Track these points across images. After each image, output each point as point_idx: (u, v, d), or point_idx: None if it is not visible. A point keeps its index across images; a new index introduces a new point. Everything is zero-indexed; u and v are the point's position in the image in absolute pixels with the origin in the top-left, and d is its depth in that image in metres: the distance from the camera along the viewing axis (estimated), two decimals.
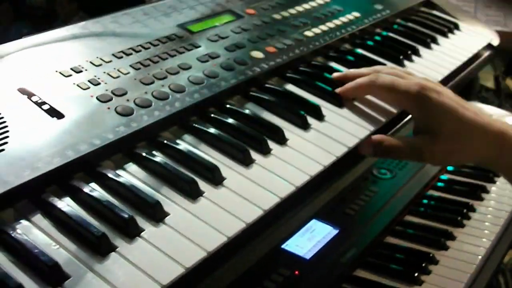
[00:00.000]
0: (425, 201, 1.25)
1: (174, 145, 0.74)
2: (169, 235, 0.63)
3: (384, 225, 1.14)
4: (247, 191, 0.71)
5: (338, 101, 0.90)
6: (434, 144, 0.80)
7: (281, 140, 0.80)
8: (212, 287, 0.64)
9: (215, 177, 0.71)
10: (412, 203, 1.23)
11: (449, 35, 1.24)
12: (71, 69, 0.81)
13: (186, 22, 1.00)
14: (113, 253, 0.60)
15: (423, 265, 1.03)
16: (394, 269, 1.02)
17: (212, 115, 0.82)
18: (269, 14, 1.09)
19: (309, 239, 0.96)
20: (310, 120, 0.85)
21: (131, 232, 0.63)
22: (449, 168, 1.37)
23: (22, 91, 0.76)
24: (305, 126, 0.84)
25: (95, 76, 0.81)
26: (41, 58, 0.83)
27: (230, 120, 0.80)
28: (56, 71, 0.80)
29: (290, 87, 0.93)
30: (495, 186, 1.29)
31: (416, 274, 1.01)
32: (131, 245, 0.62)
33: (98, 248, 0.60)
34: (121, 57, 0.87)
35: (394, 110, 0.90)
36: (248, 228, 0.66)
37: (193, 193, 0.69)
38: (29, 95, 0.75)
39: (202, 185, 0.70)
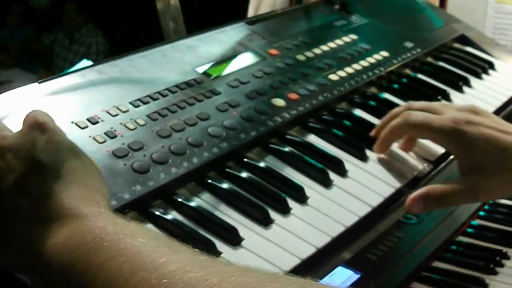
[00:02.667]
0: (454, 247, 1.27)
1: (191, 204, 0.78)
2: None
3: (410, 271, 1.16)
4: (266, 252, 0.75)
5: (363, 154, 0.93)
6: (485, 180, 0.82)
7: (302, 198, 0.84)
8: None
9: (233, 239, 0.75)
10: (440, 249, 1.25)
11: (483, 76, 1.27)
12: (87, 119, 0.86)
13: (205, 64, 1.04)
14: None
15: None
16: None
17: (230, 170, 0.85)
18: (293, 55, 1.13)
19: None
20: (333, 176, 0.89)
21: None
22: (481, 213, 1.39)
23: None
24: (326, 183, 0.87)
25: (111, 128, 0.85)
26: (57, 106, 0.88)
27: (249, 177, 0.84)
28: (72, 122, 0.85)
29: (312, 138, 0.97)
30: None
31: None
32: None
33: None
34: (138, 106, 0.91)
35: (419, 166, 0.94)
36: None
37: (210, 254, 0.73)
38: None
39: (220, 245, 0.74)
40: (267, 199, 0.82)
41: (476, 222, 1.36)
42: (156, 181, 0.79)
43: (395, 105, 1.09)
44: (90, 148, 0.81)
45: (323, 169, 0.88)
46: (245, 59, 1.09)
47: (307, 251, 0.77)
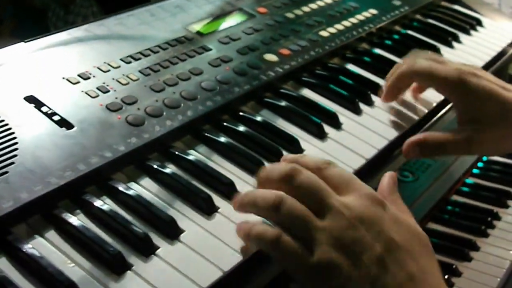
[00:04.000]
0: (449, 207, 1.29)
1: (188, 157, 0.78)
2: (184, 254, 0.67)
3: None
4: None
5: (356, 107, 0.93)
6: (481, 132, 0.83)
7: (298, 151, 0.84)
8: None
9: (230, 193, 0.75)
10: (435, 209, 1.27)
11: (472, 32, 1.27)
12: (79, 75, 0.85)
13: (195, 23, 1.04)
14: (129, 271, 0.64)
15: (446, 277, 1.07)
16: None
17: (226, 123, 0.85)
18: (282, 13, 1.13)
19: None
20: (327, 129, 0.88)
21: (147, 250, 0.66)
22: (475, 171, 1.40)
23: (29, 99, 0.79)
24: (321, 136, 0.87)
25: (104, 83, 0.85)
26: (46, 64, 0.87)
27: (245, 129, 0.84)
28: (63, 78, 0.84)
29: (306, 92, 0.97)
30: None
31: None
32: (146, 263, 0.65)
33: (114, 266, 0.64)
34: (130, 62, 0.90)
35: (415, 117, 0.94)
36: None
37: (208, 209, 0.72)
38: (37, 104, 0.78)
39: (217, 200, 0.74)
40: (264, 152, 0.82)
41: (470, 180, 1.38)
42: (151, 134, 0.78)
43: (388, 60, 1.09)
44: (83, 103, 0.81)
45: (318, 123, 0.88)
46: (234, 17, 1.08)
47: None
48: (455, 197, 1.32)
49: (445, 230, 1.22)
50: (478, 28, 1.30)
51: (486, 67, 1.17)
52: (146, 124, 0.79)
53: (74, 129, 0.76)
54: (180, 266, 0.65)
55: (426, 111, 0.97)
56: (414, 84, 0.96)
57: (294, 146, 0.84)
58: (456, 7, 1.39)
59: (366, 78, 1.02)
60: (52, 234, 0.66)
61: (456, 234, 1.21)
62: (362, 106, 0.95)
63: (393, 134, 0.91)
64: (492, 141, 0.84)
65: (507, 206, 1.28)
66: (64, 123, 0.77)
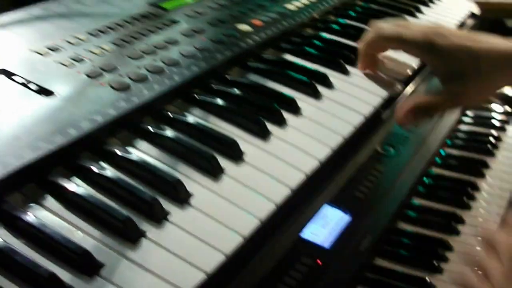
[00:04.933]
0: (430, 181, 1.25)
1: (184, 119, 0.71)
2: (198, 219, 0.60)
3: (394, 209, 1.12)
4: (269, 167, 0.68)
5: (340, 67, 0.89)
6: (465, 85, 0.81)
7: (295, 110, 0.78)
8: (246, 277, 0.60)
9: (235, 153, 0.68)
10: (417, 183, 1.23)
11: (430, 4, 1.26)
12: (47, 47, 0.77)
13: (157, 1, 0.97)
14: (143, 239, 0.56)
15: (440, 253, 1.03)
16: (413, 257, 1.01)
17: (216, 87, 0.78)
18: None
19: (323, 226, 0.93)
20: (321, 89, 0.83)
21: (157, 216, 0.58)
22: (448, 141, 1.37)
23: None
24: (316, 95, 0.82)
25: (76, 53, 0.76)
26: (9, 40, 0.78)
27: (238, 91, 0.78)
28: (31, 50, 0.75)
29: (289, 57, 0.91)
30: (495, 162, 1.30)
31: (435, 263, 1.01)
32: (160, 230, 0.57)
33: (126, 233, 0.56)
34: (97, 35, 0.82)
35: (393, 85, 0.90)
36: (277, 211, 0.63)
37: (214, 171, 0.65)
38: (9, 74, 0.69)
39: (221, 161, 0.67)
40: (261, 111, 0.75)
41: (444, 151, 1.35)
42: (140, 97, 0.70)
43: (359, 28, 1.05)
44: (58, 72, 0.72)
45: (308, 81, 0.83)
46: None
47: (311, 164, 0.70)
48: (435, 169, 1.29)
49: (430, 205, 1.18)
50: (436, 1, 1.29)
51: None
52: (133, 89, 0.71)
53: (55, 95, 0.67)
54: (198, 232, 0.58)
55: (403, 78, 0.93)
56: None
57: (292, 106, 0.78)
58: None
59: (342, 43, 0.98)
60: (51, 202, 0.58)
61: (441, 208, 1.17)
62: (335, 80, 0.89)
63: (376, 101, 0.86)
64: (476, 91, 0.83)
65: (483, 176, 1.26)
66: (42, 91, 0.68)
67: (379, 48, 0.91)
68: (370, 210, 1.02)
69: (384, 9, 1.17)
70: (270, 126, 0.73)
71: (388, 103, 0.85)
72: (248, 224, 0.60)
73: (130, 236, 0.56)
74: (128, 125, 0.68)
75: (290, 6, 1.04)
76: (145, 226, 0.57)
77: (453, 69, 0.83)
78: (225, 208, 0.61)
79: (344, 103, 0.82)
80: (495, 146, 1.35)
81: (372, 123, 0.81)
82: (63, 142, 0.61)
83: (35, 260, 0.51)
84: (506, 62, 0.82)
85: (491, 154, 1.33)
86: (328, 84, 0.85)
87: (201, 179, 0.65)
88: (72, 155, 0.62)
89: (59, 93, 0.68)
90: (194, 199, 0.62)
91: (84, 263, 0.52)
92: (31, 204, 0.57)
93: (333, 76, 0.87)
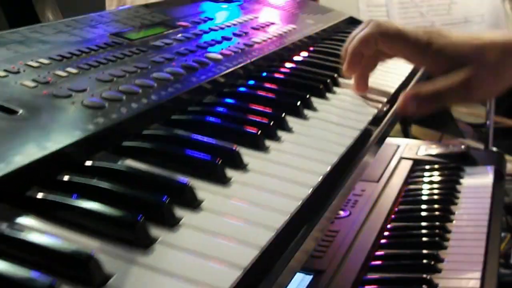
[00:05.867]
0: (391, 233, 1.22)
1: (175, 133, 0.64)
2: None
3: (361, 263, 1.09)
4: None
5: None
6: (474, 72, 0.78)
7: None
8: None
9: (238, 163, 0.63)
10: (378, 238, 1.19)
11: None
12: (5, 70, 0.69)
13: (120, 32, 0.91)
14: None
15: None
16: None
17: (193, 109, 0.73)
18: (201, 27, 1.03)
19: None
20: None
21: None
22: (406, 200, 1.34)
23: None
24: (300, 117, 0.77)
25: (39, 75, 0.69)
26: None
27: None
28: None
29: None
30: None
31: None
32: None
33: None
34: (62, 60, 0.75)
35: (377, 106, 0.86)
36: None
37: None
38: None
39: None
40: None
41: (403, 207, 1.32)
42: (119, 114, 0.64)
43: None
44: (21, 92, 0.65)
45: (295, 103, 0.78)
46: (156, 28, 0.97)
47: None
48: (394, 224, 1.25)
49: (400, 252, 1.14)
50: None
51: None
52: (108, 107, 0.64)
53: (20, 113, 0.60)
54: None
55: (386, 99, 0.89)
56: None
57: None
58: None
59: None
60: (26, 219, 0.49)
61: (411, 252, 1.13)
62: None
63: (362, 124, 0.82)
64: (486, 81, 0.79)
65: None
66: (4, 109, 0.60)
67: (372, 47, 0.85)
68: (331, 267, 1.00)
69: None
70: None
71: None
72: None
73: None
74: (109, 143, 0.61)
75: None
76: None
77: (458, 65, 0.79)
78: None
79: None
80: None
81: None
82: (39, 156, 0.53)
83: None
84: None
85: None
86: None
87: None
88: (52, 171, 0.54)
89: (25, 111, 0.60)
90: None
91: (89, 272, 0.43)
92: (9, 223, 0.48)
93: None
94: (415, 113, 0.80)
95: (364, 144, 0.75)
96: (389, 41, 0.82)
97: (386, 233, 1.22)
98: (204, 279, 0.44)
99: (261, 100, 0.79)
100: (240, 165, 0.62)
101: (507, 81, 0.82)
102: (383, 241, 1.19)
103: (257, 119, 0.71)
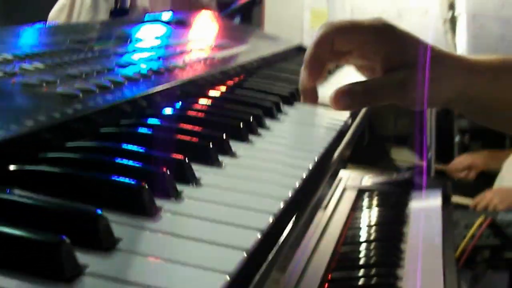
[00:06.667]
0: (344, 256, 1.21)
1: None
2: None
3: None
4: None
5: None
6: (411, 74, 0.77)
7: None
8: None
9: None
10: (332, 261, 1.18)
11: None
12: None
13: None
14: None
15: None
16: None
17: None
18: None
19: None
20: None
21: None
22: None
23: None
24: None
25: (6, 70, 0.66)
26: None
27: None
28: None
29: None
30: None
31: None
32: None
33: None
34: (25, 58, 0.73)
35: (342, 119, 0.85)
36: None
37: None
38: None
39: None
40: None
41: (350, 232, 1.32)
42: (96, 102, 0.61)
43: None
44: None
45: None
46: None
47: None
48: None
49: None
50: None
51: None
52: (83, 96, 0.62)
53: None
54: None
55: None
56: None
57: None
58: None
59: None
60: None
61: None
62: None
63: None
64: (422, 85, 0.78)
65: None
66: None
67: (328, 47, 0.84)
68: None
69: None
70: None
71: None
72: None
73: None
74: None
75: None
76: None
77: (407, 55, 0.79)
78: None
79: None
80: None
81: None
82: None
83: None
84: (457, 63, 0.80)
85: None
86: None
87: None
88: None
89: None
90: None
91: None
92: None
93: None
94: (347, 109, 0.79)
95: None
96: (345, 34, 0.82)
97: (338, 256, 1.21)
98: None
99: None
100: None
101: (444, 92, 0.82)
102: (336, 264, 1.18)
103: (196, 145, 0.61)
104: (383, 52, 0.82)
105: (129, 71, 0.75)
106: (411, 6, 1.76)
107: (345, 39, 0.82)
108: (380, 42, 0.81)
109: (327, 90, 0.76)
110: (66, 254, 0.34)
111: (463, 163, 2.61)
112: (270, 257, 0.43)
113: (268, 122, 0.77)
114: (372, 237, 1.25)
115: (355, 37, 0.82)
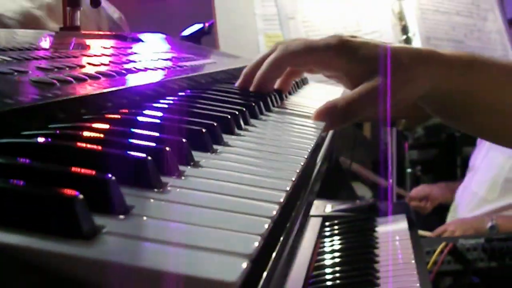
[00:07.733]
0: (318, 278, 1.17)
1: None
2: None
3: None
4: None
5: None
6: (383, 80, 0.77)
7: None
8: None
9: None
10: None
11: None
12: None
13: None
14: None
15: None
16: None
17: None
18: None
19: None
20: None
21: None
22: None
23: None
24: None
25: None
26: None
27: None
28: None
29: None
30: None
31: None
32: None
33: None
34: None
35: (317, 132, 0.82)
36: None
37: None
38: None
39: None
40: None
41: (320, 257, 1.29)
42: (76, 90, 0.56)
43: None
44: None
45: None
46: None
47: None
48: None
49: None
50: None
51: None
52: (59, 85, 0.57)
53: None
54: None
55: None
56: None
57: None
58: None
59: None
60: None
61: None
62: None
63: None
64: (397, 88, 0.78)
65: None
66: None
67: (283, 70, 0.83)
68: None
69: None
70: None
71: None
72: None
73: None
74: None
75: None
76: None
77: (371, 67, 0.78)
78: None
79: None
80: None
81: None
82: None
83: None
84: (427, 57, 0.81)
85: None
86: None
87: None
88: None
89: None
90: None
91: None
92: None
93: None
94: (329, 129, 0.78)
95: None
96: (299, 59, 0.81)
97: (311, 280, 1.17)
98: None
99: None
100: None
101: (420, 89, 0.82)
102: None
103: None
104: (345, 67, 0.82)
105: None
106: (365, 31, 1.77)
107: (302, 62, 0.83)
108: (339, 57, 0.80)
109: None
110: (81, 209, 0.29)
111: (420, 193, 2.63)
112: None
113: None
114: (344, 261, 1.22)
115: (311, 58, 0.81)
